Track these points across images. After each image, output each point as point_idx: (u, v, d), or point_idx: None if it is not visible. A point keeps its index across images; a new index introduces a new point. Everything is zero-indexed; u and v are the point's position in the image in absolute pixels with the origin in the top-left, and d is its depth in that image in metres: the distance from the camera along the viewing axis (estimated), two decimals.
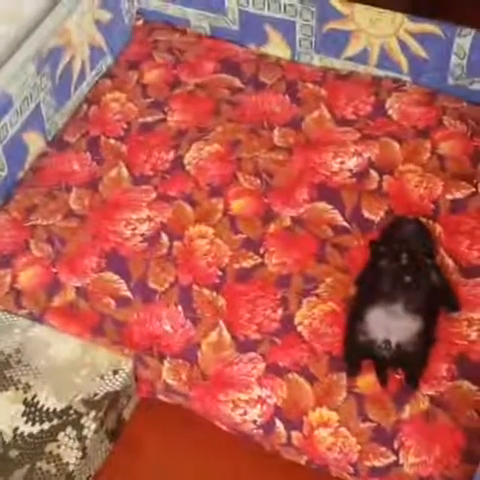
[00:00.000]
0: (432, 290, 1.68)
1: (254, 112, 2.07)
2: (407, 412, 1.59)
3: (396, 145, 1.97)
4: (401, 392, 1.61)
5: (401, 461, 1.55)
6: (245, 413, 1.63)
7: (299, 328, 1.71)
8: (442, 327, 1.67)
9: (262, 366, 1.67)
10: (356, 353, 1.65)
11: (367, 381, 1.62)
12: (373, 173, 1.93)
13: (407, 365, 1.63)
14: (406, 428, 1.58)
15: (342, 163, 1.95)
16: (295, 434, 1.61)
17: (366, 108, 2.06)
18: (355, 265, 1.77)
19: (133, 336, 1.74)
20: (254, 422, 1.62)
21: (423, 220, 1.83)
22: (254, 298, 1.76)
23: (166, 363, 1.69)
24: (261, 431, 1.63)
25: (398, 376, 1.63)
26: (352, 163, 1.95)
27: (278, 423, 1.62)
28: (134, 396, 1.75)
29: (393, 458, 1.56)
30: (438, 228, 1.82)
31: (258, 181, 1.94)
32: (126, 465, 1.72)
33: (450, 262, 1.77)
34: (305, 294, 1.75)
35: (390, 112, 2.05)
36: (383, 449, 1.57)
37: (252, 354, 1.69)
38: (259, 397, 1.64)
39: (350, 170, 1.94)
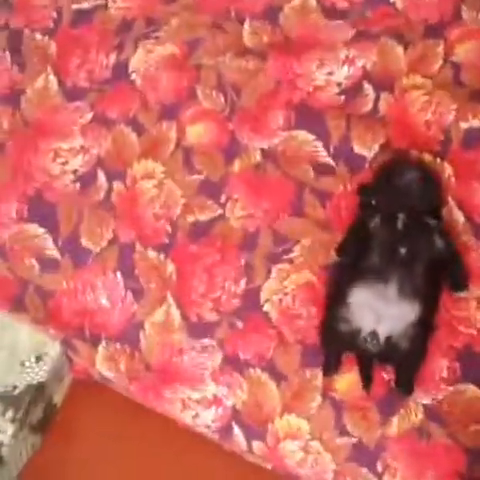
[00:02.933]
0: (435, 262, 1.30)
1: None
2: (395, 426, 1.28)
3: (399, 49, 1.50)
4: (389, 399, 1.29)
5: None
6: (197, 415, 1.31)
7: (266, 307, 1.36)
8: (444, 309, 1.31)
9: (218, 357, 1.35)
10: (335, 345, 1.32)
11: (347, 382, 1.30)
12: (368, 89, 1.49)
13: (399, 364, 1.29)
14: (393, 446, 1.28)
15: (329, 74, 1.50)
16: (257, 444, 1.29)
17: None
18: (340, 220, 1.40)
19: (61, 312, 1.39)
20: (207, 427, 1.31)
21: (429, 162, 1.40)
22: (211, 265, 1.40)
23: (101, 348, 1.35)
24: (217, 436, 1.31)
25: (386, 377, 1.27)
26: (342, 74, 1.50)
27: (236, 430, 1.32)
28: (67, 377, 1.42)
29: None
30: (448, 169, 1.40)
31: (221, 98, 1.51)
32: (57, 458, 1.42)
33: (460, 217, 1.38)
34: (275, 259, 1.39)
35: None
36: (364, 470, 1.27)
37: (206, 341, 1.36)
38: (214, 397, 1.32)
39: (339, 84, 1.50)
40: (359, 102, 1.48)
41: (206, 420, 1.32)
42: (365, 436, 1.28)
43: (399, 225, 1.31)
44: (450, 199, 1.39)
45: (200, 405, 1.33)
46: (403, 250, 1.29)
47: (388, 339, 1.27)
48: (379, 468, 1.28)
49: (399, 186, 1.35)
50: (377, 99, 1.48)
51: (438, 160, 1.41)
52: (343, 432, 1.28)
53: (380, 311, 1.27)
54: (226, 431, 1.32)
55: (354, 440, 1.28)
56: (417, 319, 1.28)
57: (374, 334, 1.27)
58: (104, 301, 1.40)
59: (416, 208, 1.33)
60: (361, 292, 1.28)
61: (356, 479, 1.29)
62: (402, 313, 1.27)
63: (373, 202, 1.36)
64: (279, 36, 1.56)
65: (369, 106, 1.48)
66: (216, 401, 1.33)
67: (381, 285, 1.27)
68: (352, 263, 1.33)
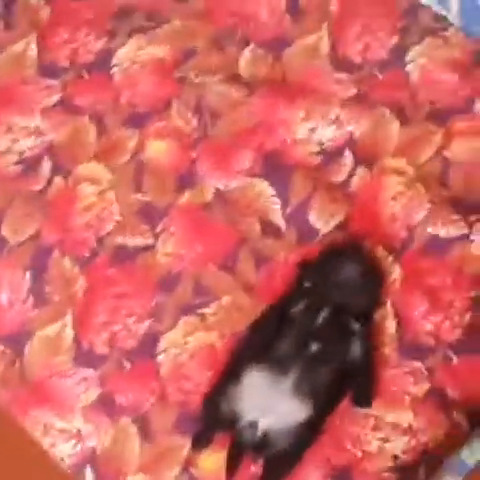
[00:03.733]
0: (345, 368, 1.22)
1: (231, 11, 1.47)
2: None
3: (395, 125, 1.40)
4: None
5: None
6: (54, 445, 1.26)
7: (160, 357, 1.29)
8: (338, 418, 1.23)
9: (95, 393, 1.28)
10: (213, 421, 1.23)
11: (212, 462, 1.23)
12: (347, 157, 1.39)
13: (269, 462, 1.21)
14: None
15: (312, 130, 1.39)
16: None
17: (380, 51, 1.44)
18: (269, 290, 1.31)
19: None
20: (61, 459, 1.26)
21: (379, 258, 1.29)
22: (122, 294, 1.33)
23: None
24: (69, 471, 1.26)
25: (254, 470, 1.20)
26: (326, 134, 1.39)
27: (89, 473, 1.25)
28: None
29: None
30: (397, 272, 1.29)
31: (195, 121, 1.42)
32: None
33: (392, 327, 1.27)
34: (187, 310, 1.32)
35: (410, 67, 1.42)
36: None
37: (89, 372, 1.29)
38: (78, 432, 1.26)
39: (320, 143, 1.39)
40: (334, 169, 1.39)
41: (62, 452, 1.28)
42: None
43: (319, 319, 1.23)
44: (388, 304, 1.28)
45: (61, 435, 1.28)
46: (315, 346, 1.22)
47: (266, 434, 1.21)
48: None
49: (335, 278, 1.27)
50: (353, 172, 1.37)
51: (390, 259, 1.30)
52: None
53: (269, 402, 1.20)
54: (79, 470, 1.27)
55: None
56: (305, 421, 1.21)
57: (253, 424, 1.20)
58: (3, 297, 1.33)
59: (344, 307, 1.24)
60: (257, 377, 1.21)
61: None
62: (290, 411, 1.20)
63: (306, 284, 1.27)
64: (277, 72, 1.46)
65: (343, 177, 1.38)
66: (78, 437, 1.28)
67: (279, 376, 1.20)
68: (259, 343, 1.24)
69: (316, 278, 1.28)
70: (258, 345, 1.26)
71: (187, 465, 1.25)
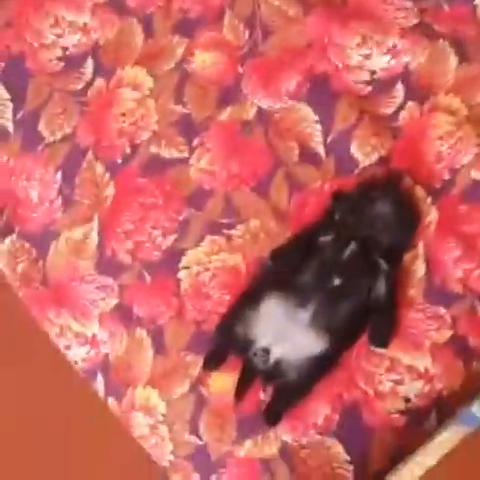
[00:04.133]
0: (366, 305, 1.20)
1: None
2: (245, 449, 1.21)
3: (453, 60, 1.33)
4: (253, 420, 1.22)
5: None
6: (69, 347, 1.28)
7: (181, 273, 1.29)
8: (354, 355, 1.23)
9: (113, 302, 1.29)
10: (226, 343, 1.23)
11: (222, 383, 1.24)
12: (399, 90, 1.34)
13: (279, 391, 1.21)
14: (233, 467, 1.23)
15: (366, 57, 1.34)
16: (112, 401, 1.26)
17: None
18: (299, 217, 1.29)
19: None
20: (75, 362, 1.28)
21: (417, 198, 1.26)
22: (150, 205, 1.32)
23: (8, 241, 1.33)
24: (80, 374, 1.28)
25: (262, 397, 1.20)
26: (380, 63, 1.34)
27: (99, 378, 1.29)
28: None
29: None
30: (433, 214, 1.26)
31: (246, 34, 1.38)
32: None
33: (421, 270, 1.24)
34: (214, 229, 1.31)
35: (478, 2, 1.35)
36: (195, 475, 1.21)
37: (109, 280, 1.29)
38: (93, 337, 1.28)
39: (372, 72, 1.34)
40: (383, 101, 1.35)
41: (76, 355, 1.30)
42: (212, 445, 1.24)
43: (346, 253, 1.20)
44: (420, 247, 1.25)
45: (76, 339, 1.29)
46: (337, 280, 1.20)
47: (278, 362, 1.20)
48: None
49: (368, 212, 1.24)
50: (402, 105, 1.33)
51: (428, 200, 1.26)
52: (193, 430, 1.24)
53: (284, 332, 1.20)
54: (90, 374, 1.30)
55: (200, 443, 1.23)
56: (319, 355, 1.20)
57: (266, 351, 1.19)
58: (33, 195, 1.34)
59: (373, 244, 1.21)
60: (275, 304, 1.20)
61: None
62: (305, 343, 1.19)
63: (336, 216, 1.24)
64: None
65: (391, 109, 1.34)
66: (93, 342, 1.30)
67: (298, 307, 1.19)
68: (282, 270, 1.22)
69: (349, 210, 1.25)
70: (280, 272, 1.24)
71: (196, 383, 1.25)
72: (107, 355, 1.29)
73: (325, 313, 1.20)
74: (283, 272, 1.24)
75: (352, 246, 1.22)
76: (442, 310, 1.25)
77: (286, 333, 1.20)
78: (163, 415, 1.26)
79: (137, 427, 1.27)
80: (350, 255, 1.22)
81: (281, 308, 1.20)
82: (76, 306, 1.31)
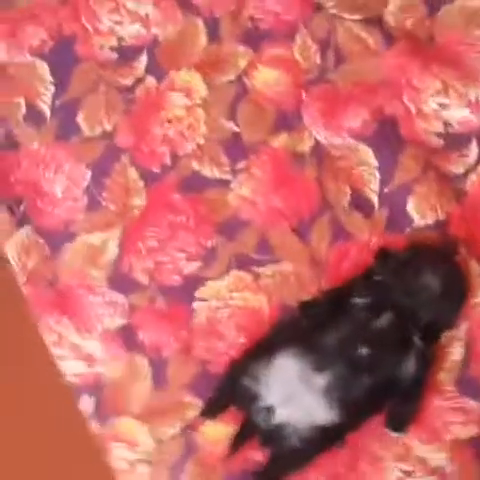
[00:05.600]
0: (390, 384, 1.10)
1: None
2: None
3: None
4: (241, 479, 1.12)
5: None
6: (64, 358, 1.23)
7: (196, 304, 1.19)
8: (361, 434, 1.13)
9: (120, 321, 1.23)
10: (229, 393, 1.15)
11: (216, 432, 1.16)
12: (473, 149, 1.23)
13: (277, 456, 1.13)
14: None
15: (444, 107, 1.24)
16: (95, 424, 1.21)
17: None
18: (336, 270, 1.20)
19: (12, 169, 1.32)
20: (65, 375, 1.21)
21: (472, 273, 1.16)
22: (180, 225, 1.23)
23: (22, 231, 1.29)
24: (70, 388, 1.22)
25: (259, 459, 1.13)
26: (458, 115, 1.24)
27: (87, 397, 1.23)
28: None
29: None
30: None
31: (317, 58, 1.28)
32: None
33: (458, 353, 1.15)
34: (243, 263, 1.22)
35: None
36: None
37: (120, 298, 1.23)
38: (90, 354, 1.20)
39: (447, 124, 1.24)
40: (453, 158, 1.26)
41: (69, 368, 1.24)
42: None
43: (379, 322, 1.11)
44: (463, 328, 1.16)
45: (73, 351, 1.22)
46: (364, 351, 1.10)
47: (281, 425, 1.12)
48: None
49: (412, 280, 1.14)
50: (474, 168, 1.24)
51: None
52: (175, 476, 1.15)
53: (294, 394, 1.12)
54: (79, 391, 1.22)
55: None
56: (326, 427, 1.11)
57: (270, 411, 1.11)
58: (58, 189, 1.27)
59: (412, 316, 1.12)
60: (290, 362, 1.12)
61: None
62: (314, 411, 1.12)
63: (377, 278, 1.15)
64: (426, 29, 1.31)
65: (460, 169, 1.25)
66: (90, 359, 1.22)
67: (315, 370, 1.11)
68: (306, 326, 1.14)
69: (392, 274, 1.15)
70: (304, 328, 1.15)
71: (189, 427, 1.18)
72: (101, 375, 1.22)
73: (343, 383, 1.12)
74: (307, 328, 1.15)
75: (388, 315, 1.13)
76: (472, 403, 1.15)
77: (296, 396, 1.12)
78: (147, 453, 1.19)
79: (116, 459, 1.20)
80: (384, 325, 1.13)
81: (296, 367, 1.13)
82: (80, 317, 1.26)
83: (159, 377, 1.22)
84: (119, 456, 1.21)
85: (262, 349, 1.18)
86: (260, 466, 1.17)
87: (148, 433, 1.20)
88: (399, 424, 1.16)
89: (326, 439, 1.15)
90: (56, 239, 1.29)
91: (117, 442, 1.22)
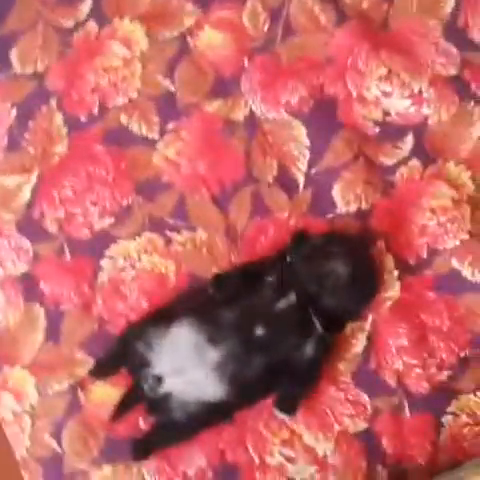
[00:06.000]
0: (284, 366, 1.08)
1: None
2: (101, 474, 1.14)
3: (478, 130, 1.20)
4: (121, 445, 1.10)
5: None
6: None
7: (104, 262, 1.23)
8: (250, 413, 1.12)
9: (22, 267, 1.26)
10: (122, 356, 1.12)
11: (103, 396, 1.16)
12: (407, 142, 1.26)
13: (159, 427, 1.12)
14: None
15: (385, 95, 1.26)
16: None
17: None
18: (251, 247, 1.18)
19: None
20: None
21: (381, 266, 1.16)
22: (99, 178, 1.27)
23: None
24: None
25: (142, 426, 1.11)
26: (398, 105, 1.26)
27: None
28: None
29: None
30: (394, 291, 1.18)
31: (266, 26, 1.30)
32: None
33: (360, 345, 1.16)
34: (156, 226, 1.25)
35: None
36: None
37: (26, 244, 1.25)
38: None
39: (386, 113, 1.26)
40: (386, 148, 1.25)
41: None
42: (69, 457, 1.16)
43: (282, 304, 1.09)
44: (368, 321, 1.14)
45: None
46: (260, 330, 1.08)
47: (167, 396, 1.10)
48: None
49: (322, 267, 1.12)
50: (405, 161, 1.24)
51: (395, 273, 1.17)
52: (56, 435, 1.16)
53: (185, 366, 1.10)
54: None
55: (58, 450, 1.15)
56: (213, 403, 1.10)
57: (158, 380, 1.09)
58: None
59: (315, 302, 1.09)
60: (186, 332, 1.10)
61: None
62: (203, 386, 1.10)
63: (288, 259, 1.12)
64: (381, 13, 1.31)
65: (392, 161, 1.25)
66: None
67: (209, 343, 1.08)
68: (208, 299, 1.11)
69: (303, 257, 1.13)
70: (206, 300, 1.13)
71: (77, 385, 1.16)
72: None
73: (235, 361, 1.09)
74: (210, 301, 1.12)
75: (291, 297, 1.11)
76: (366, 397, 1.14)
77: (186, 368, 1.11)
78: (31, 406, 1.18)
79: (3, 408, 1.18)
80: (285, 307, 1.11)
81: (191, 340, 1.11)
82: None
83: (53, 330, 1.19)
84: (6, 406, 1.19)
85: (161, 316, 1.15)
86: (142, 434, 1.15)
87: (35, 386, 1.18)
88: (287, 406, 1.15)
89: (213, 415, 1.13)
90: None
91: (5, 391, 1.19)
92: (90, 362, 1.18)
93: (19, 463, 1.18)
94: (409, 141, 1.24)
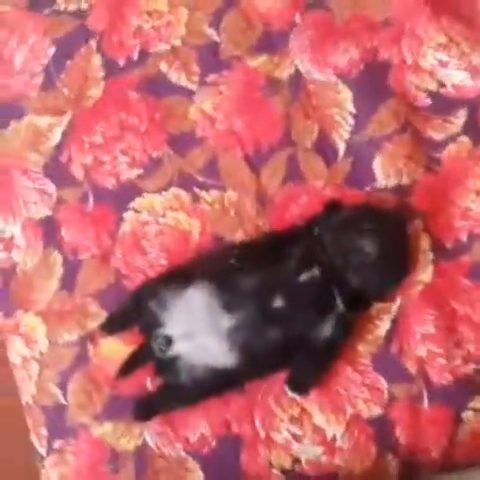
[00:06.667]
0: (300, 343, 1.05)
1: None
2: (102, 430, 1.13)
3: None
4: (125, 403, 1.10)
5: None
6: None
7: (127, 214, 1.20)
8: (262, 386, 1.09)
9: (45, 212, 1.24)
10: (134, 313, 1.10)
11: (113, 350, 1.14)
12: (460, 117, 1.20)
13: (166, 389, 1.10)
14: (82, 444, 1.14)
15: (442, 64, 1.20)
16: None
17: None
18: (281, 213, 1.15)
19: None
20: None
21: (416, 246, 1.11)
22: (131, 126, 1.24)
23: None
24: None
25: (149, 386, 1.09)
26: (454, 77, 1.21)
27: None
28: None
29: None
30: (426, 274, 1.13)
31: None
32: None
33: (383, 328, 1.11)
34: (185, 183, 1.21)
35: None
36: (43, 431, 1.14)
37: (51, 188, 1.22)
38: (10, 239, 1.18)
39: (441, 84, 1.19)
40: (436, 123, 1.20)
41: None
42: (72, 409, 1.15)
43: (305, 276, 1.05)
44: (396, 304, 1.09)
45: None
46: (279, 302, 1.04)
47: (176, 358, 1.08)
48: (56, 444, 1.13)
49: (350, 242, 1.06)
50: (454, 137, 1.18)
51: (430, 256, 1.10)
52: (62, 385, 1.14)
53: (196, 330, 1.07)
54: None
55: (62, 401, 1.14)
56: (222, 370, 1.07)
57: (168, 341, 1.06)
58: (18, 59, 1.25)
59: (340, 279, 1.05)
60: (201, 295, 1.07)
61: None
62: (213, 352, 1.08)
63: (316, 230, 1.08)
64: None
65: (440, 136, 1.19)
66: (8, 244, 1.20)
67: (224, 308, 1.06)
68: (230, 265, 1.08)
69: (331, 230, 1.08)
70: (226, 266, 1.09)
71: (87, 337, 1.15)
72: (15, 265, 1.18)
73: (249, 330, 1.06)
74: (230, 266, 1.09)
75: (315, 271, 1.06)
76: (383, 383, 1.09)
77: (198, 332, 1.08)
78: (40, 353, 1.16)
79: (12, 352, 1.18)
80: (307, 280, 1.06)
81: (206, 303, 1.07)
82: (8, 196, 1.20)
83: (69, 279, 1.17)
84: (16, 350, 1.18)
85: (178, 276, 1.12)
86: (147, 395, 1.12)
87: (46, 334, 1.17)
88: (299, 384, 1.11)
89: (220, 383, 1.10)
90: (4, 112, 1.24)
91: (16, 336, 1.18)
92: (102, 315, 1.16)
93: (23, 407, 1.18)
94: (462, 116, 1.17)
